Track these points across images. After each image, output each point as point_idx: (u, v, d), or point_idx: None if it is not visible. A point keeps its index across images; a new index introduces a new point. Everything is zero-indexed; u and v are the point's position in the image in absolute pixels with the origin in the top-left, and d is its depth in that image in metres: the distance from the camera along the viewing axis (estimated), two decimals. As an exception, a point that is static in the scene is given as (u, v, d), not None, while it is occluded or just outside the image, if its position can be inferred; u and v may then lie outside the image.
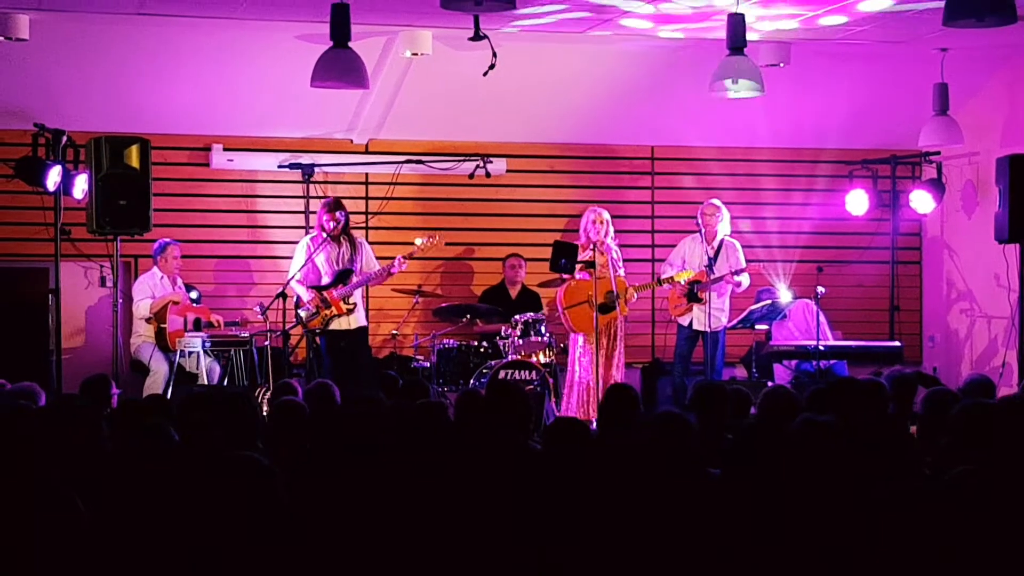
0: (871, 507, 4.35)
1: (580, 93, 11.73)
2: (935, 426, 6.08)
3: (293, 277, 10.54)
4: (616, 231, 11.09)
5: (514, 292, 11.93)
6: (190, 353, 10.43)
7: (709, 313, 10.90)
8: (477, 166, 11.85)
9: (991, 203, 11.31)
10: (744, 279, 11.07)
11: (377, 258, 10.86)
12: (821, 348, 11.27)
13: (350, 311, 10.58)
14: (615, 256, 10.99)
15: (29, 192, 10.54)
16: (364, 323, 10.88)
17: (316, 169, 11.75)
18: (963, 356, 12.65)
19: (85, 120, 10.81)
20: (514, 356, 10.74)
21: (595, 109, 11.94)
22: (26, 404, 6.50)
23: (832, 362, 11.58)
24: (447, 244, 12.00)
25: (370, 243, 11.29)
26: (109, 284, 10.98)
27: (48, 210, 10.37)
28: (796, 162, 12.81)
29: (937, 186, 12.23)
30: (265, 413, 8.59)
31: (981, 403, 5.40)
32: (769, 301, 11.60)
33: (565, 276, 10.80)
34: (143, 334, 10.75)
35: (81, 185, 10.29)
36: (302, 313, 10.55)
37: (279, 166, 11.76)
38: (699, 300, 11.00)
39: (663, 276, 11.18)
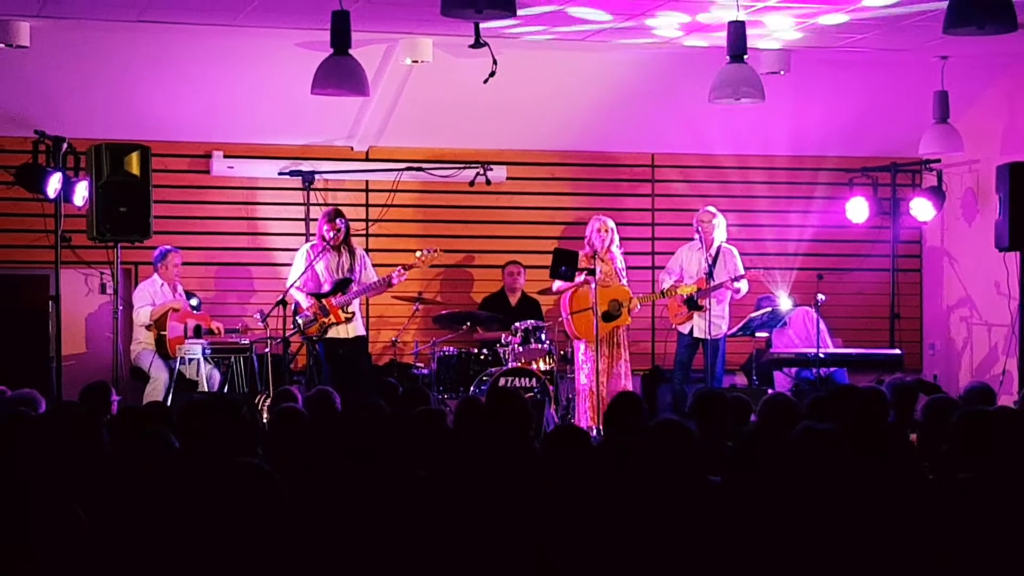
0: (871, 515, 4.35)
1: (580, 101, 11.74)
2: (935, 434, 6.08)
3: (293, 284, 10.54)
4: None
5: (514, 299, 11.92)
6: (190, 360, 10.43)
7: (709, 321, 10.90)
8: (477, 173, 11.85)
9: (991, 211, 11.32)
10: (743, 285, 11.07)
11: (375, 266, 10.87)
12: (821, 356, 11.27)
13: (348, 320, 10.57)
14: (620, 265, 11.01)
15: (29, 199, 10.53)
16: (363, 332, 10.87)
17: (316, 176, 11.75)
18: (963, 364, 12.65)
19: (86, 127, 10.81)
20: (514, 363, 10.74)
21: (595, 117, 11.94)
22: (26, 411, 6.50)
23: (832, 370, 11.58)
24: (447, 252, 12.01)
25: (370, 250, 11.30)
26: (109, 291, 10.97)
27: (48, 217, 10.36)
28: (796, 170, 12.81)
29: (937, 194, 12.23)
30: (265, 420, 8.59)
31: (981, 411, 5.39)
32: (769, 308, 11.59)
33: (564, 284, 10.82)
34: (143, 341, 10.75)
35: (81, 192, 10.28)
36: (300, 320, 10.55)
37: (279, 173, 11.76)
38: (699, 308, 11.00)
39: (664, 287, 11.19)
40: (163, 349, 10.59)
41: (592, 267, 10.58)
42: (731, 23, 9.18)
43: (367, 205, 12.08)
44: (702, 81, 9.56)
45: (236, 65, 10.87)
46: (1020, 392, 10.48)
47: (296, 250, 10.94)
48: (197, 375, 10.45)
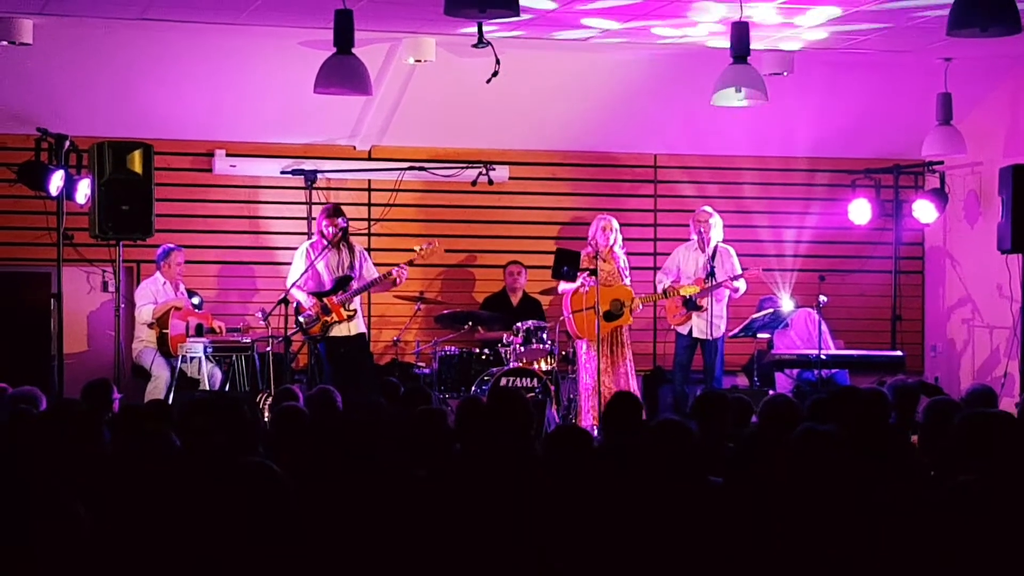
0: (872, 516, 4.35)
1: (583, 101, 11.74)
2: (936, 435, 6.07)
3: (294, 284, 10.54)
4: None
5: (515, 299, 11.92)
6: (192, 358, 10.43)
7: (711, 321, 10.91)
8: (480, 173, 11.85)
9: (994, 213, 11.32)
10: (741, 285, 11.08)
11: (377, 265, 10.87)
12: (823, 357, 11.26)
13: (350, 317, 10.58)
14: (623, 265, 11.01)
15: (32, 197, 10.53)
16: (363, 330, 10.88)
17: (319, 175, 11.75)
18: (965, 366, 12.64)
19: (88, 125, 10.81)
20: (516, 363, 10.73)
21: (598, 117, 11.94)
22: (27, 408, 6.51)
23: (833, 371, 11.58)
24: (449, 251, 12.02)
25: (373, 250, 11.31)
26: (111, 289, 10.98)
27: (51, 215, 10.36)
28: (799, 171, 12.81)
29: (940, 196, 12.23)
30: (266, 419, 8.59)
31: (983, 413, 5.38)
32: (771, 310, 11.59)
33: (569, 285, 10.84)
34: (145, 339, 10.75)
35: (84, 190, 10.28)
36: (302, 319, 10.55)
37: (282, 172, 11.76)
38: (698, 308, 11.02)
39: (663, 286, 11.19)
40: (165, 347, 10.59)
41: (594, 267, 10.58)
42: (734, 24, 9.17)
43: (369, 204, 12.08)
44: (704, 82, 9.56)
45: (239, 64, 10.87)
46: (1021, 395, 10.49)
47: (297, 249, 10.93)
48: (198, 374, 10.44)
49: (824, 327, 11.51)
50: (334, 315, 10.52)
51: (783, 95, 10.79)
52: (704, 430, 6.25)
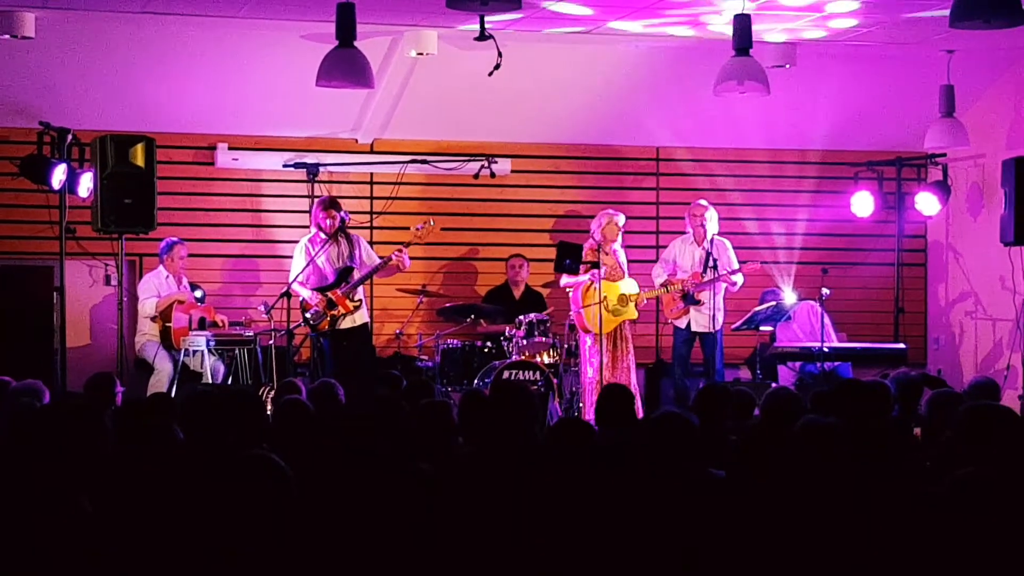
0: (874, 509, 4.35)
1: (585, 94, 11.73)
2: (939, 428, 6.08)
3: (296, 279, 10.53)
4: (621, 232, 11.10)
5: (518, 292, 11.92)
6: (194, 352, 10.43)
7: (713, 315, 10.92)
8: (482, 166, 11.84)
9: (996, 205, 11.31)
10: (739, 278, 11.09)
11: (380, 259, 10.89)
12: (825, 350, 11.26)
13: (356, 308, 10.61)
14: (621, 260, 11.02)
15: (34, 190, 10.54)
16: (367, 320, 10.91)
17: (321, 169, 11.75)
18: (967, 358, 12.64)
19: (90, 118, 10.81)
20: (518, 356, 10.74)
21: (600, 110, 11.93)
22: (30, 402, 6.51)
23: (836, 364, 11.58)
24: (451, 244, 12.02)
25: (375, 243, 11.29)
26: (114, 282, 10.99)
27: (53, 208, 10.37)
28: (801, 163, 12.79)
29: (943, 188, 12.22)
30: (269, 412, 8.59)
31: (985, 405, 5.39)
32: (774, 302, 11.59)
33: (570, 278, 10.84)
34: (148, 333, 10.75)
35: (86, 183, 10.29)
36: (308, 316, 10.56)
37: (284, 165, 11.76)
38: (696, 302, 11.04)
39: (660, 280, 11.22)
40: (167, 341, 10.59)
41: (596, 260, 10.58)
42: (737, 16, 9.17)
43: (371, 198, 12.08)
44: (707, 75, 9.56)
45: (241, 57, 10.86)
46: (1024, 387, 10.49)
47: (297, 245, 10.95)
48: (201, 367, 10.45)
49: (826, 320, 11.51)
50: (340, 308, 10.53)
51: (785, 88, 10.78)
52: (706, 423, 6.26)
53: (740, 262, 11.20)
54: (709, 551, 4.34)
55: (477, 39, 9.24)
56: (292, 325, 10.48)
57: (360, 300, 10.69)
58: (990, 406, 5.33)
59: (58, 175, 10.11)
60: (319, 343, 10.85)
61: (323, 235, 10.61)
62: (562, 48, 11.03)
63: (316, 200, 10.99)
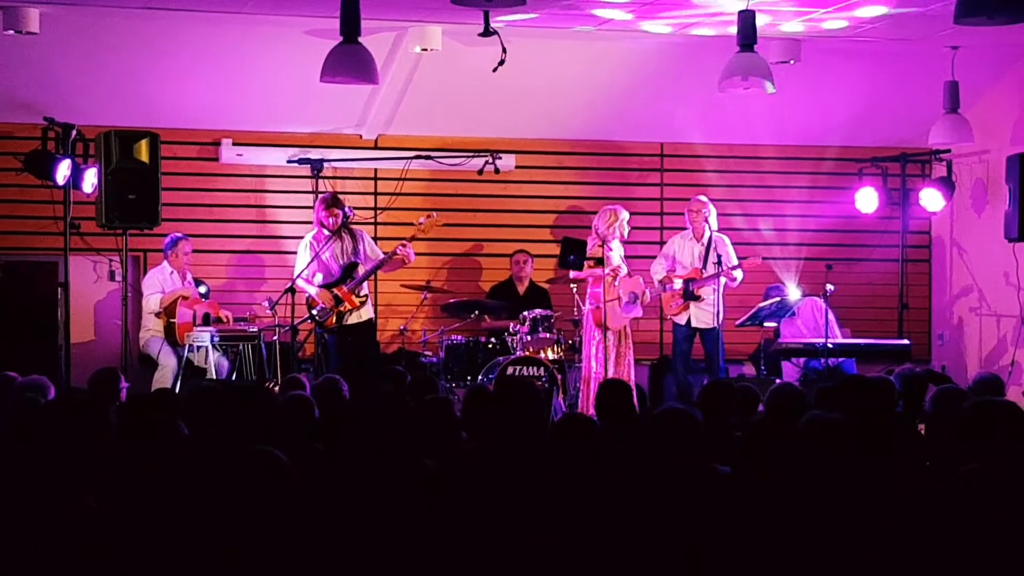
0: (878, 505, 4.35)
1: (589, 89, 11.72)
2: (943, 424, 6.07)
3: (300, 275, 10.54)
4: (624, 228, 11.11)
5: (522, 288, 11.93)
6: (199, 348, 10.44)
7: (717, 312, 10.94)
8: (486, 162, 11.84)
9: (1001, 201, 11.30)
10: (739, 274, 11.10)
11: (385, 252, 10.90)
12: (829, 346, 11.26)
13: (363, 303, 10.63)
14: (620, 254, 11.00)
15: (38, 186, 10.55)
16: (372, 315, 10.93)
17: (325, 164, 11.75)
18: (972, 354, 12.63)
19: (95, 114, 10.82)
20: (522, 352, 10.74)
21: (604, 105, 11.93)
22: (35, 397, 6.52)
23: (840, 360, 11.57)
24: (455, 240, 12.02)
25: (379, 239, 11.29)
26: (118, 278, 11.00)
27: (57, 204, 10.38)
28: (806, 159, 12.79)
29: (947, 184, 12.21)
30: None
31: (990, 401, 5.38)
32: (778, 298, 11.59)
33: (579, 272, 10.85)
34: (152, 328, 10.76)
35: (90, 179, 10.30)
36: (315, 313, 10.56)
37: (288, 161, 11.76)
38: (696, 298, 11.06)
39: (659, 276, 11.24)
40: (172, 336, 10.60)
41: (600, 256, 10.58)
42: (741, 12, 9.16)
43: (376, 193, 12.08)
44: (712, 70, 9.55)
45: (245, 53, 10.86)
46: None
47: (304, 238, 10.95)
48: (206, 363, 10.47)
49: (831, 316, 11.51)
50: (346, 304, 10.54)
51: (790, 83, 10.77)
52: (710, 419, 6.26)
53: (740, 258, 11.20)
54: (714, 547, 4.34)
55: (481, 35, 9.23)
56: (297, 321, 10.49)
57: (366, 295, 10.71)
58: (994, 402, 5.33)
59: (62, 171, 10.11)
60: (323, 339, 10.86)
61: (327, 232, 10.62)
62: (566, 44, 11.02)
63: (318, 197, 10.99)
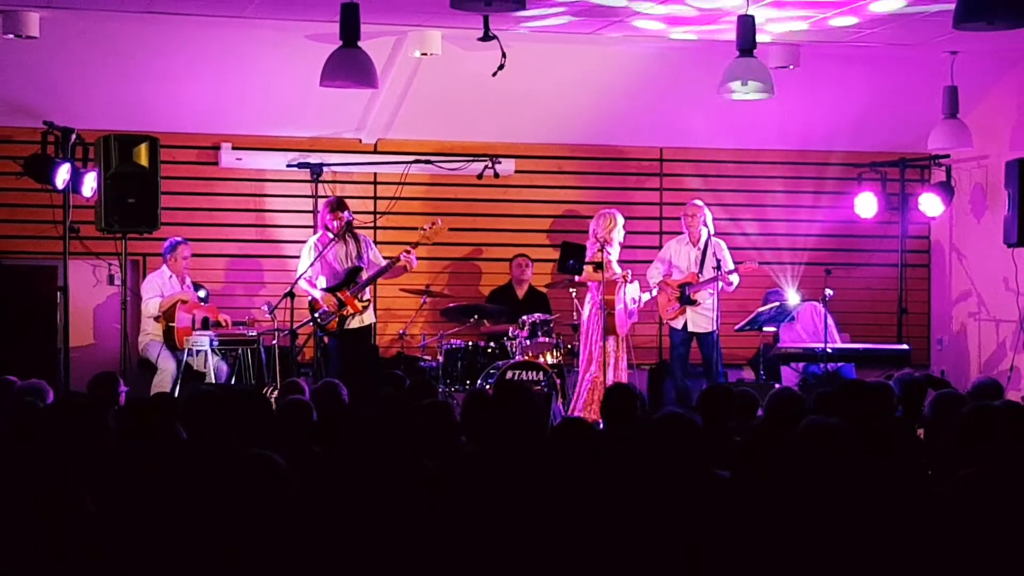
0: (878, 509, 4.35)
1: (589, 94, 11.73)
2: (942, 429, 6.07)
3: (301, 277, 10.54)
4: (624, 232, 11.09)
5: (521, 292, 11.93)
6: (198, 352, 10.44)
7: (716, 316, 10.94)
8: (486, 166, 11.84)
9: (1000, 206, 11.31)
10: (735, 279, 11.10)
11: (384, 259, 10.89)
12: (829, 351, 11.26)
13: (365, 308, 10.65)
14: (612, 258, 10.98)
15: (38, 190, 10.54)
16: (373, 319, 10.94)
17: (325, 169, 11.75)
18: (971, 359, 12.63)
19: (94, 118, 10.82)
20: (521, 357, 10.74)
21: (604, 110, 11.94)
22: (34, 401, 6.51)
23: (839, 365, 11.58)
24: (455, 244, 12.02)
25: (379, 243, 11.30)
26: (117, 282, 11.00)
27: (57, 208, 10.38)
28: (805, 164, 12.80)
29: (946, 189, 12.22)
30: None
31: (988, 406, 5.38)
32: (777, 303, 11.59)
33: (576, 277, 10.85)
34: (151, 332, 10.76)
35: (90, 183, 10.30)
36: (317, 316, 10.57)
37: (288, 165, 11.76)
38: (692, 302, 11.06)
39: (655, 280, 11.23)
40: (171, 340, 10.60)
41: (600, 260, 10.58)
42: (740, 17, 9.17)
43: (375, 198, 12.09)
44: (711, 75, 9.55)
45: (245, 57, 10.87)
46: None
47: (303, 242, 10.96)
48: (205, 367, 10.46)
49: (830, 320, 11.51)
50: (349, 308, 10.55)
51: (789, 88, 10.78)
52: (710, 424, 6.26)
53: (736, 262, 11.21)
54: (714, 551, 4.34)
55: (481, 39, 9.24)
56: (296, 325, 10.49)
57: (368, 300, 10.73)
58: (993, 406, 5.33)
59: (62, 175, 10.11)
60: (323, 343, 10.86)
61: (331, 235, 10.63)
62: (566, 49, 11.03)
63: (324, 200, 10.99)
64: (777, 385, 10.58)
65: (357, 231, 10.87)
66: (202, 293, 11.12)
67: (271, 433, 5.71)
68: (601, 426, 8.79)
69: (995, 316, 12.33)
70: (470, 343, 11.18)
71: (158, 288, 10.79)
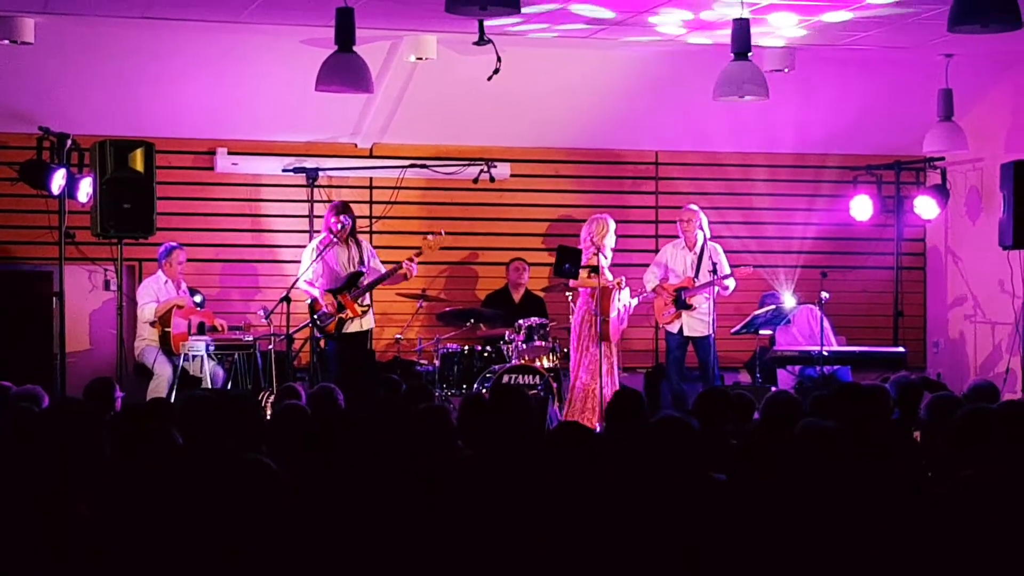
0: (874, 512, 4.35)
1: (584, 98, 11.74)
2: (938, 431, 6.07)
3: (300, 278, 10.54)
4: (619, 236, 11.11)
5: (517, 296, 11.93)
6: (194, 357, 10.43)
7: (712, 320, 10.94)
8: (481, 171, 11.84)
9: (995, 209, 11.32)
10: (731, 283, 11.11)
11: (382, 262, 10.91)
12: (825, 354, 11.27)
13: (364, 313, 10.64)
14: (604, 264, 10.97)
15: (33, 195, 10.55)
16: (373, 325, 10.94)
17: (320, 173, 11.75)
18: (967, 362, 12.64)
19: (90, 123, 10.82)
20: (518, 360, 10.74)
21: (599, 114, 11.94)
22: (29, 407, 6.50)
23: (835, 367, 11.58)
24: (451, 249, 12.02)
25: (374, 247, 11.30)
26: (113, 287, 10.99)
27: (52, 213, 10.38)
28: (800, 167, 12.81)
29: (941, 192, 12.23)
30: (268, 417, 8.59)
31: (984, 408, 5.39)
32: (773, 306, 11.60)
33: (571, 282, 10.84)
34: (147, 338, 10.75)
35: (85, 188, 10.30)
36: (317, 317, 10.57)
37: (283, 170, 11.76)
38: (688, 307, 11.06)
39: (651, 284, 11.24)
40: (167, 346, 10.59)
41: (596, 264, 10.58)
42: (735, 20, 9.17)
43: (371, 202, 12.08)
44: (706, 79, 9.56)
45: (240, 62, 10.87)
46: (1024, 390, 10.49)
47: (299, 247, 10.97)
48: (201, 372, 10.44)
49: (826, 323, 11.52)
50: (348, 311, 10.55)
51: (784, 92, 10.79)
52: (706, 427, 6.26)
53: (732, 266, 11.21)
54: (711, 555, 4.34)
55: (476, 44, 9.24)
56: (292, 329, 10.48)
57: (368, 305, 10.73)
58: (989, 409, 5.34)
59: (57, 180, 10.11)
60: (320, 347, 10.86)
61: (334, 238, 10.64)
62: (562, 52, 11.04)
63: (328, 205, 10.99)
64: (773, 388, 10.57)
65: (362, 240, 10.88)
66: (198, 298, 11.12)
67: (266, 438, 5.70)
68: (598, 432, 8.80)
69: (991, 318, 12.34)
70: (466, 347, 11.18)
71: (154, 293, 10.79)
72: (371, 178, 12.07)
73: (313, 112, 11.28)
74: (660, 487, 4.68)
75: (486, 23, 9.18)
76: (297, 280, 10.54)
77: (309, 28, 10.07)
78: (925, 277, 13.19)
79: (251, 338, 10.59)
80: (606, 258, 10.82)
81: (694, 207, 11.29)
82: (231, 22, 10.04)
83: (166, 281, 10.88)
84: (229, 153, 11.72)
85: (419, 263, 10.91)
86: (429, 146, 12.09)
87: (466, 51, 10.01)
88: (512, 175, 12.22)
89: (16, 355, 10.27)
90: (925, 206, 12.23)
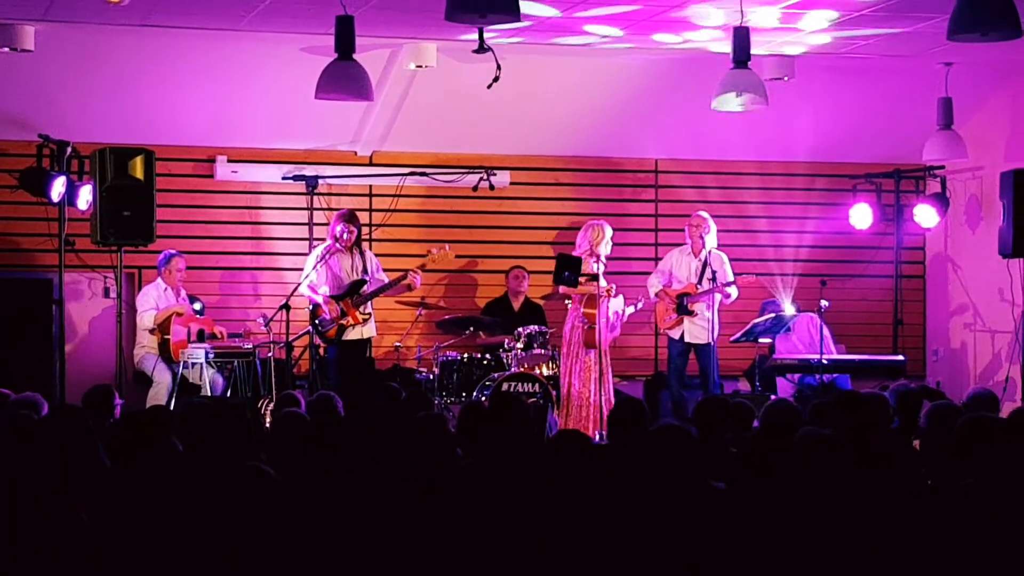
0: (874, 520, 4.35)
1: (584, 106, 11.74)
2: (938, 440, 6.07)
3: (302, 284, 10.55)
4: (619, 244, 11.11)
5: (517, 304, 11.93)
6: (193, 364, 10.42)
7: (712, 328, 10.94)
8: (481, 178, 11.84)
9: (995, 217, 11.32)
10: (733, 291, 11.11)
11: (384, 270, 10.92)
12: (824, 362, 11.26)
13: (365, 321, 10.65)
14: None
15: (33, 203, 10.55)
16: (374, 333, 10.94)
17: (320, 181, 11.75)
18: (966, 370, 12.63)
19: (90, 131, 10.82)
20: (517, 368, 10.73)
21: (599, 122, 11.94)
22: (28, 414, 6.51)
23: (835, 376, 11.58)
24: (450, 256, 12.04)
25: (374, 255, 11.31)
26: (113, 295, 10.98)
27: (52, 221, 10.39)
28: (800, 175, 12.80)
29: (941, 200, 12.23)
30: (268, 424, 8.59)
31: (984, 417, 5.39)
32: (773, 314, 11.60)
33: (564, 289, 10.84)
34: (146, 345, 10.75)
35: (85, 196, 10.30)
36: (317, 321, 10.57)
37: (283, 178, 11.76)
38: (690, 313, 11.06)
39: (654, 289, 11.24)
40: (166, 353, 10.58)
41: (596, 272, 10.59)
42: (735, 28, 9.18)
43: (371, 210, 12.08)
44: (706, 87, 9.56)
45: (240, 69, 10.87)
46: (1024, 399, 10.49)
47: (299, 255, 10.98)
48: (200, 379, 10.43)
49: (826, 332, 11.51)
50: (350, 318, 10.55)
51: (784, 100, 10.80)
52: (706, 435, 6.25)
53: (735, 274, 11.21)
54: (710, 563, 4.33)
55: (476, 51, 9.25)
56: (292, 337, 10.48)
57: (370, 314, 10.73)
58: (988, 418, 5.34)
59: (57, 188, 10.12)
60: (319, 355, 10.86)
61: (339, 246, 10.64)
62: (561, 60, 11.05)
63: (336, 212, 10.99)
64: (773, 396, 10.58)
65: (366, 250, 10.91)
66: (197, 306, 11.12)
67: (266, 445, 5.70)
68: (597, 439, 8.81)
69: (991, 327, 12.34)
70: (466, 355, 11.17)
71: (153, 301, 10.78)
72: (371, 186, 12.08)
73: (313, 120, 11.29)
74: (659, 495, 4.68)
75: (486, 31, 9.18)
76: (299, 285, 10.54)
77: (309, 36, 10.08)
78: (925, 285, 13.19)
79: (251, 346, 10.59)
80: (603, 265, 10.82)
81: (703, 214, 11.28)
82: (231, 30, 10.05)
83: (166, 288, 10.87)
84: (229, 161, 11.72)
85: (427, 271, 10.92)
86: (429, 154, 12.09)
87: (466, 59, 10.01)
88: (512, 183, 12.23)
89: (15, 362, 10.26)
90: (925, 214, 12.23)
